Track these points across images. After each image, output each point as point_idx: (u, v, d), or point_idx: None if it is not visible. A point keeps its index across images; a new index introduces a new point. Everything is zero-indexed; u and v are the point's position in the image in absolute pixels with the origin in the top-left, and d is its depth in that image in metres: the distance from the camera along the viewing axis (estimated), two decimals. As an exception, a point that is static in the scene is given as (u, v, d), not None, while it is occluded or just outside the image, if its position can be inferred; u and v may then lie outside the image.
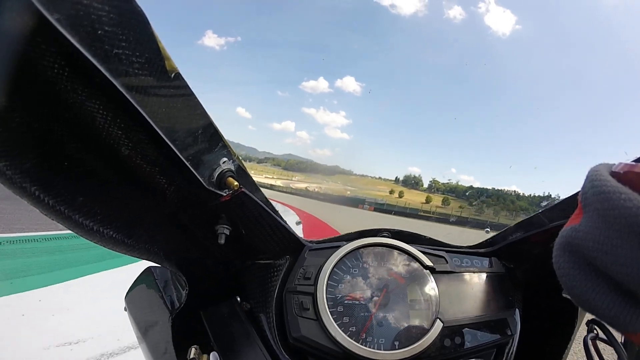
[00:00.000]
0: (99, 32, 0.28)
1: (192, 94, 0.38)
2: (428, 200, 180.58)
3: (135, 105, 0.31)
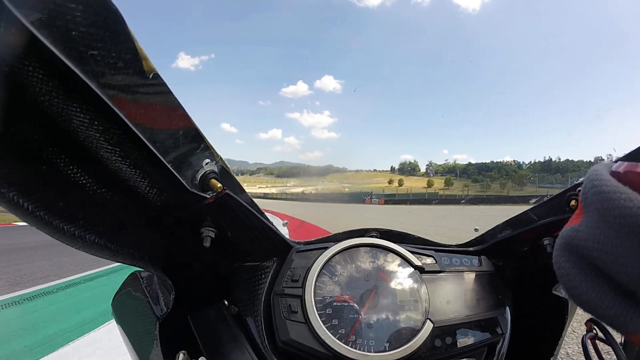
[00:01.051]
0: (73, 32, 0.27)
1: (172, 94, 0.37)
2: (430, 184, 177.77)
3: (113, 107, 0.31)
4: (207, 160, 0.45)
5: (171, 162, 0.39)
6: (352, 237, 0.70)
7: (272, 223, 0.58)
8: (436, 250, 0.72)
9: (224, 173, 0.47)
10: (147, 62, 0.33)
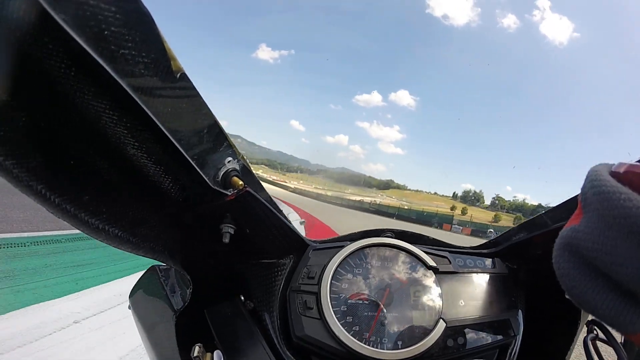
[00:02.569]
0: (105, 32, 0.28)
1: (198, 94, 0.38)
2: (497, 219, 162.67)
3: (141, 105, 0.32)
4: (230, 159, 0.45)
5: (195, 159, 0.39)
6: (368, 237, 0.70)
7: (290, 221, 0.59)
8: (450, 252, 0.72)
9: (245, 171, 0.48)
10: (176, 62, 0.33)
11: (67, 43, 0.26)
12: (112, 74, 0.29)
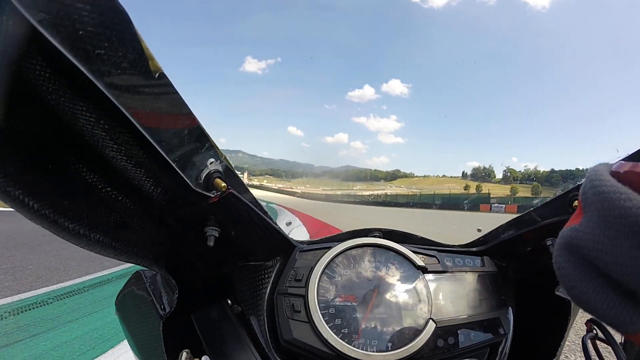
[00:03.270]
0: (81, 32, 0.27)
1: (178, 94, 0.38)
2: (514, 192, 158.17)
3: (119, 106, 0.31)
4: (212, 160, 0.45)
5: (176, 161, 0.39)
6: (355, 237, 0.70)
7: (275, 223, 0.59)
8: (439, 251, 0.72)
9: (229, 172, 0.47)
10: (154, 62, 0.33)
11: (41, 44, 0.26)
12: (88, 74, 0.28)
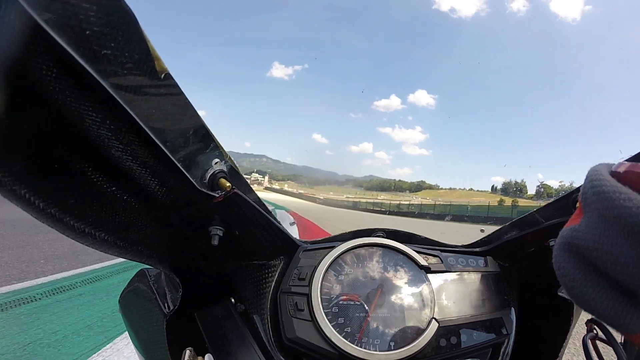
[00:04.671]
0: (87, 32, 0.27)
1: (183, 94, 0.38)
2: None
3: (125, 106, 0.31)
4: (217, 160, 0.45)
5: (181, 161, 0.39)
6: (359, 237, 0.70)
7: (279, 222, 0.59)
8: (442, 251, 0.72)
9: (233, 172, 0.47)
10: (159, 63, 0.33)
11: (48, 43, 0.26)
12: (95, 74, 0.28)
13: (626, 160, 0.38)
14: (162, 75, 0.34)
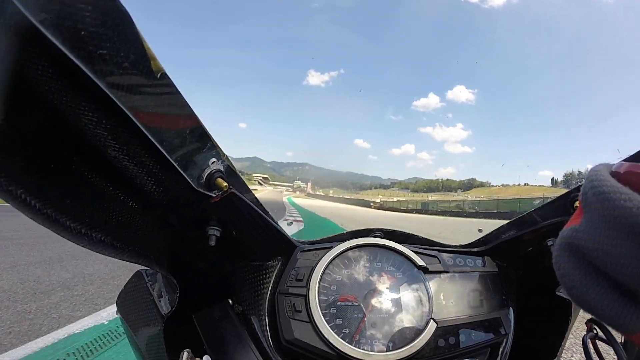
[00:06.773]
0: (83, 32, 0.27)
1: (180, 94, 0.38)
2: None
3: (121, 105, 0.31)
4: (214, 160, 0.45)
5: (178, 160, 0.39)
6: (356, 237, 0.70)
7: (277, 223, 0.59)
8: (440, 251, 0.72)
9: (230, 172, 0.47)
10: (155, 62, 0.33)
11: (43, 44, 0.26)
12: (90, 74, 0.28)
13: (625, 160, 0.38)
14: (158, 75, 0.34)
